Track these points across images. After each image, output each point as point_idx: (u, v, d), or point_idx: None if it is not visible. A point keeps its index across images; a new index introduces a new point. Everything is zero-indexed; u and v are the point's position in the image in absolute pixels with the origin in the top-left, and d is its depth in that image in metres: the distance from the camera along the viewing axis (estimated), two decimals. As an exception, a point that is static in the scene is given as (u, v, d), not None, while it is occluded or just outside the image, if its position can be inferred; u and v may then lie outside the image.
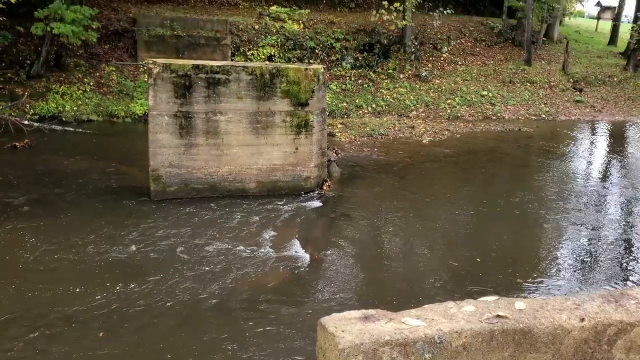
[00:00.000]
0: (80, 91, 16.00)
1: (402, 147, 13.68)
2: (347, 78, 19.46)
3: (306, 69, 9.38)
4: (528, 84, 20.97)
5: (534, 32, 23.25)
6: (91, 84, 16.48)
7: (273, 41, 19.37)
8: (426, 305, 2.13)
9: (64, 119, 14.53)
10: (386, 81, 19.64)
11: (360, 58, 20.17)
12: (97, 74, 17.00)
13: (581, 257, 7.70)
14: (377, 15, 19.02)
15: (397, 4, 18.90)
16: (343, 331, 1.91)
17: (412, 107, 18.27)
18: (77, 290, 6.05)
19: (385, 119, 16.87)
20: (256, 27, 19.92)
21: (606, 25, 32.59)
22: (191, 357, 5.07)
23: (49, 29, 14.81)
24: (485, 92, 19.80)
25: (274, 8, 21.19)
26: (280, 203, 9.10)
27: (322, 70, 9.68)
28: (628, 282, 6.96)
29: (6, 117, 12.84)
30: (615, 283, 6.88)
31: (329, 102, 15.58)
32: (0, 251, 6.93)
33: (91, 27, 15.56)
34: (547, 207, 9.61)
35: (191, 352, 5.13)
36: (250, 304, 6.01)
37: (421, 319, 2.02)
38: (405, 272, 7.07)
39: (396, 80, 19.80)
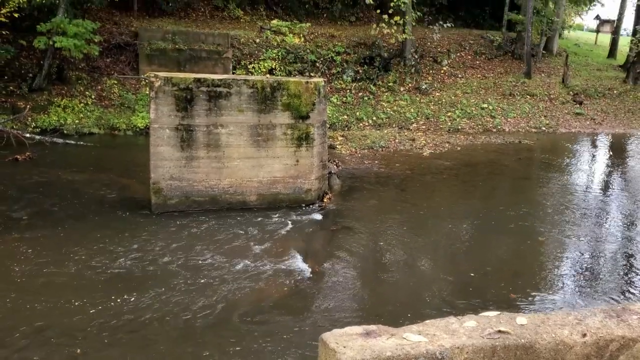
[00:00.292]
0: (81, 104, 16.06)
1: (403, 160, 13.70)
2: (348, 91, 19.54)
3: (307, 82, 9.42)
4: (528, 96, 21.04)
5: (533, 45, 23.38)
6: (93, 97, 16.56)
7: (274, 55, 19.50)
8: (427, 321, 2.13)
9: (65, 131, 14.58)
10: (386, 94, 19.71)
11: (360, 71, 20.27)
12: (99, 87, 17.09)
13: (581, 271, 7.67)
14: (378, 29, 19.19)
15: (397, 18, 19.04)
16: (344, 347, 1.91)
17: (413, 120, 18.31)
18: (76, 303, 6.01)
19: (385, 131, 16.91)
20: (257, 40, 20.06)
21: (605, 38, 32.78)
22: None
23: (51, 42, 14.93)
24: (485, 105, 19.86)
25: (275, 22, 21.36)
26: (280, 215, 9.09)
27: (323, 83, 9.72)
28: (631, 297, 6.93)
29: (8, 130, 12.89)
30: (619, 297, 6.85)
31: (330, 115, 15.63)
32: None
33: (93, 40, 15.69)
34: (547, 221, 9.59)
35: (191, 367, 5.10)
36: (251, 317, 5.98)
37: (423, 335, 2.01)
38: (406, 286, 7.05)
39: (396, 93, 19.88)
